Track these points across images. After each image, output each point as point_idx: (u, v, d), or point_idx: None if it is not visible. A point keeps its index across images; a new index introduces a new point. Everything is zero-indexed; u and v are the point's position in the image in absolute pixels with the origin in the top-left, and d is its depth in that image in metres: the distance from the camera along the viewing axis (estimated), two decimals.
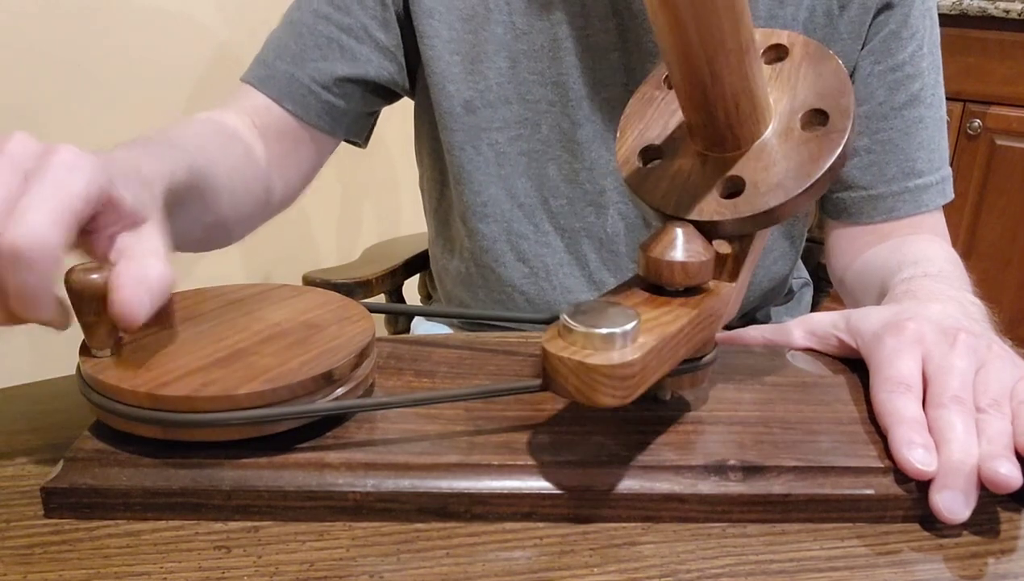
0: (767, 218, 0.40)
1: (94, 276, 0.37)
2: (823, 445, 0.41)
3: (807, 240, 0.87)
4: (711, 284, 0.42)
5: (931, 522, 0.39)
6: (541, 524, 0.38)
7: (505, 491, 0.38)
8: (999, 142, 1.65)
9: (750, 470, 0.39)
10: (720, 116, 0.40)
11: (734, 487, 0.39)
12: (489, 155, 0.74)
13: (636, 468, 0.39)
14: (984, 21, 1.58)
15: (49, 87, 0.96)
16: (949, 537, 0.38)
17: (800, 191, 0.39)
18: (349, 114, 0.73)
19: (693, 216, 0.41)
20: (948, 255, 0.68)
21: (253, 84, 0.71)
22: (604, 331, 0.35)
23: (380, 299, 0.98)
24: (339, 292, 0.48)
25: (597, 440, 0.41)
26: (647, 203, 0.43)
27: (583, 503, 0.38)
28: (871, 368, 0.45)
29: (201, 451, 0.38)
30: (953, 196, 0.75)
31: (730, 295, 0.42)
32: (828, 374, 0.49)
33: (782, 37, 0.44)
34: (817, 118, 0.41)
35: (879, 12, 0.70)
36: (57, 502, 0.37)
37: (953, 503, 0.37)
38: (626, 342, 0.35)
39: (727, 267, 0.42)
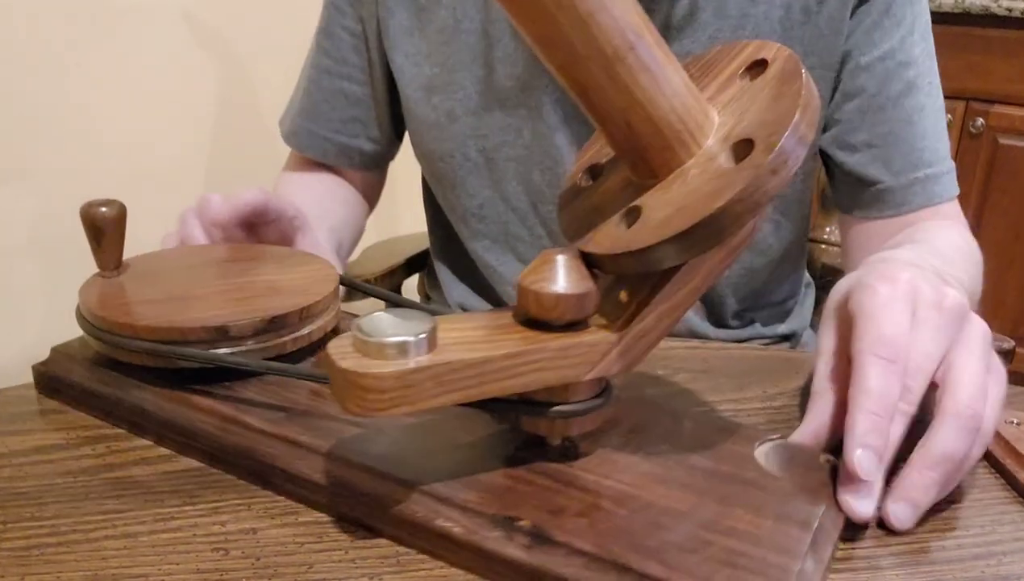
0: (637, 261, 0.34)
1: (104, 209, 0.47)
2: (650, 544, 0.33)
3: (808, 240, 0.86)
4: (592, 327, 0.37)
5: (931, 520, 0.39)
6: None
7: (295, 472, 0.39)
8: (1002, 141, 1.62)
9: (540, 538, 0.34)
10: (616, 134, 0.36)
11: (512, 551, 0.34)
12: (479, 160, 0.74)
13: (430, 497, 0.36)
14: (986, 19, 1.56)
15: (48, 85, 0.96)
16: (950, 539, 0.38)
17: (670, 235, 0.32)
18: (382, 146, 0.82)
19: (583, 245, 0.37)
20: (959, 241, 0.64)
21: (309, 153, 0.82)
22: (375, 340, 0.32)
23: None
24: None
25: (419, 461, 0.38)
26: (559, 224, 0.40)
27: (372, 512, 0.37)
28: (859, 318, 0.41)
29: (136, 372, 0.45)
30: (959, 190, 0.71)
31: (605, 346, 0.36)
32: (753, 469, 0.39)
33: (770, 51, 0.37)
34: (747, 150, 0.34)
35: (859, 4, 0.67)
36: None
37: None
38: (404, 354, 0.32)
39: (624, 314, 0.37)
